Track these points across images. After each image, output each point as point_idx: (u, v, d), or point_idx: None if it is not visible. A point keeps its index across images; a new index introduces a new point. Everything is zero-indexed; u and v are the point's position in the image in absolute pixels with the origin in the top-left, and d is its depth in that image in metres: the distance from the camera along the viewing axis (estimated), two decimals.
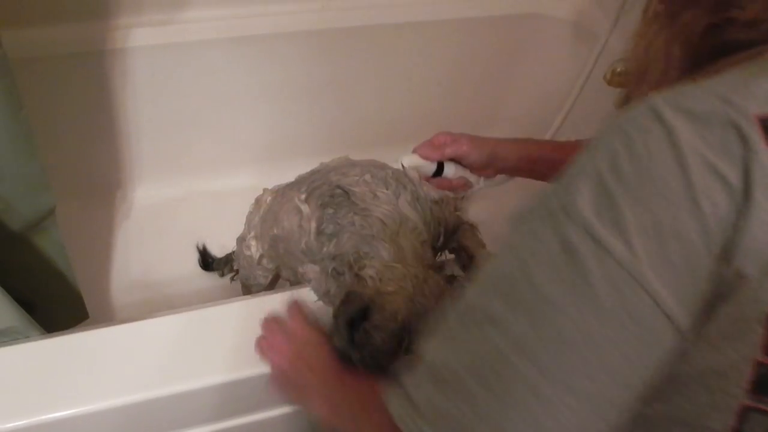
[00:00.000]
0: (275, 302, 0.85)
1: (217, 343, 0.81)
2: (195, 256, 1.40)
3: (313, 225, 0.90)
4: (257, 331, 0.80)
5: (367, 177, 0.91)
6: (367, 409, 0.64)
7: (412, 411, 0.48)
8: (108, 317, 1.28)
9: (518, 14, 1.56)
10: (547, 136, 1.41)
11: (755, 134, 0.42)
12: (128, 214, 1.51)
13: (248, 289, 1.19)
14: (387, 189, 0.89)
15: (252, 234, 1.10)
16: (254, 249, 1.09)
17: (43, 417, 0.73)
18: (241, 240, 1.14)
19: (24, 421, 0.72)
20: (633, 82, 0.60)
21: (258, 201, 1.11)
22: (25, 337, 0.83)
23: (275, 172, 1.30)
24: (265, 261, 1.09)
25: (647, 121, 0.45)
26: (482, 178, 1.04)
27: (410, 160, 0.98)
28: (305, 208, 0.93)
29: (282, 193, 1.04)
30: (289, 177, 1.05)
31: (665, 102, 0.45)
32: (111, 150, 1.48)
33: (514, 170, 1.04)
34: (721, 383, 0.47)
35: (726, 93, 0.44)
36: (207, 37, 1.39)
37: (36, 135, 0.88)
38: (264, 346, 0.78)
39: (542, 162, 1.00)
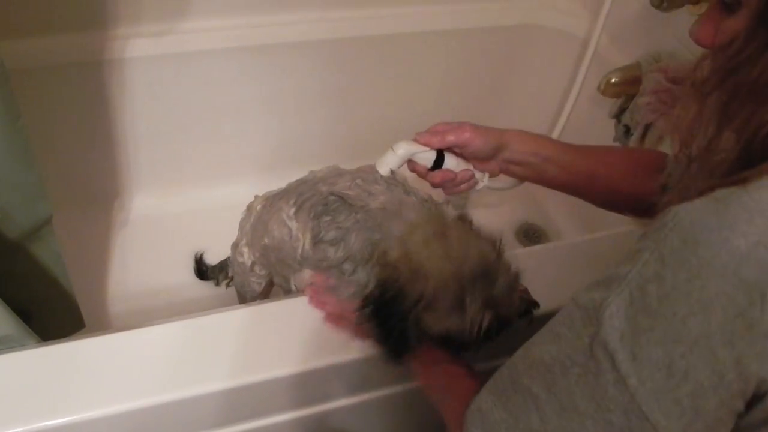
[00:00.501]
0: (274, 310, 0.86)
1: (216, 351, 0.81)
2: (191, 266, 1.40)
3: (308, 236, 0.90)
4: (257, 337, 0.81)
5: (358, 181, 0.92)
6: (453, 394, 0.71)
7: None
8: (104, 326, 1.28)
9: (514, 25, 1.57)
10: None
11: None
12: (125, 223, 1.52)
13: (243, 297, 1.20)
14: (379, 186, 0.90)
15: (244, 241, 1.11)
16: (246, 256, 1.10)
17: (40, 424, 0.73)
18: (235, 246, 1.15)
19: (20, 429, 0.72)
20: (677, 143, 0.59)
21: (249, 208, 1.12)
22: (20, 346, 0.83)
23: (273, 182, 1.29)
24: (257, 268, 1.10)
25: (683, 249, 0.46)
26: (486, 175, 0.92)
27: (407, 147, 0.86)
28: (293, 225, 0.93)
29: (271, 202, 1.04)
30: None
31: (705, 229, 0.45)
32: (109, 159, 1.49)
33: (522, 166, 0.91)
34: None
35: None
36: (204, 47, 1.40)
37: (34, 144, 0.88)
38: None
39: (553, 162, 0.90)
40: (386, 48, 1.53)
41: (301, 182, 1.01)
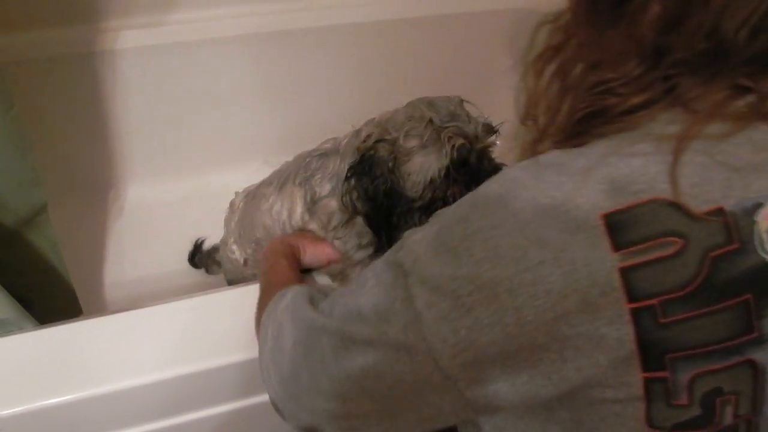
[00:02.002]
0: None
1: (211, 330, 0.83)
2: (186, 253, 1.42)
3: (299, 204, 0.91)
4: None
5: (329, 139, 0.95)
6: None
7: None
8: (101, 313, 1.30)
9: (507, 9, 1.58)
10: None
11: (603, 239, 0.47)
12: (121, 212, 1.53)
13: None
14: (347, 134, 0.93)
15: (232, 239, 1.12)
16: (237, 253, 1.11)
17: (38, 404, 0.75)
18: (224, 244, 1.15)
19: (20, 408, 0.75)
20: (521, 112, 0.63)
21: (232, 205, 1.12)
22: (19, 329, 0.85)
23: (266, 170, 1.32)
24: (251, 263, 1.11)
25: (497, 200, 0.51)
26: None
27: None
28: (279, 204, 0.95)
29: (253, 195, 1.06)
30: None
31: (520, 186, 0.50)
32: (103, 150, 1.50)
33: None
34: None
35: (578, 185, 0.48)
36: (195, 38, 1.41)
37: (29, 135, 0.90)
38: None
39: None
40: (377, 35, 1.54)
41: (276, 171, 1.03)
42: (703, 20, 0.48)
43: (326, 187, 0.88)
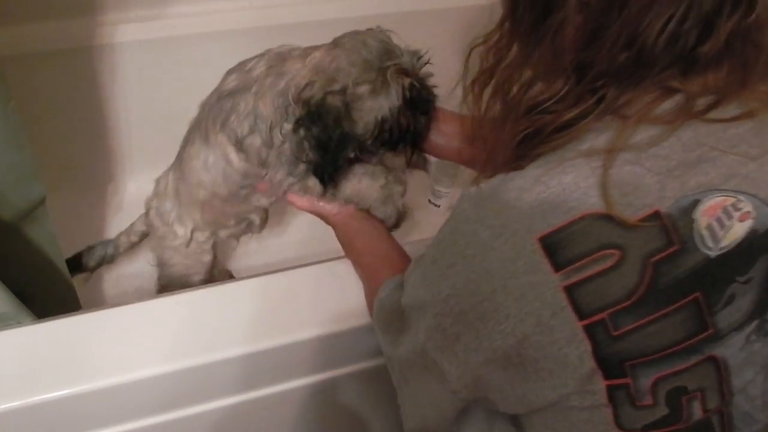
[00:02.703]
0: (270, 283, 0.89)
1: (207, 324, 0.83)
2: None
3: (231, 150, 0.91)
4: (246, 311, 0.83)
5: (233, 76, 0.95)
6: (377, 257, 0.85)
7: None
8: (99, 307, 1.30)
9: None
10: None
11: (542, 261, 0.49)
12: (120, 206, 1.53)
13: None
14: (252, 63, 0.93)
15: (171, 219, 1.08)
16: (182, 231, 1.07)
17: (37, 398, 0.75)
18: (161, 239, 1.10)
19: (17, 403, 0.75)
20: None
21: (159, 193, 1.10)
22: (17, 323, 0.85)
23: None
24: (198, 235, 1.08)
25: (454, 233, 0.56)
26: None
27: None
28: (212, 156, 0.95)
29: (178, 167, 1.04)
30: None
31: (466, 219, 0.54)
32: (102, 144, 1.50)
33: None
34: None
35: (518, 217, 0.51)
36: (193, 31, 1.41)
37: (27, 129, 0.89)
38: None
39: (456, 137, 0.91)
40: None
41: (188, 131, 1.03)
42: (620, 32, 0.49)
43: (245, 127, 0.88)
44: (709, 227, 0.49)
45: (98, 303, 1.31)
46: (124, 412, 0.82)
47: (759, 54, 0.51)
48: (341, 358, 0.90)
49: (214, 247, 1.13)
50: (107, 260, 1.23)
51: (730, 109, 0.51)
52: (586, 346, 0.49)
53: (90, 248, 1.23)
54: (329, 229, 0.94)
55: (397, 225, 0.93)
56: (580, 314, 0.48)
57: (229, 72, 0.95)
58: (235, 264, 1.42)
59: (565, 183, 0.50)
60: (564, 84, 0.53)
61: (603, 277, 0.48)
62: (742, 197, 0.49)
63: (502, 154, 0.58)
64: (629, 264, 0.48)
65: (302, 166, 0.87)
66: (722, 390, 0.52)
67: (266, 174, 0.91)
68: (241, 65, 0.94)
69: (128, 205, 1.53)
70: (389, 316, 0.68)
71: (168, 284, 1.16)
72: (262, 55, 0.93)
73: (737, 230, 0.49)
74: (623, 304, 0.48)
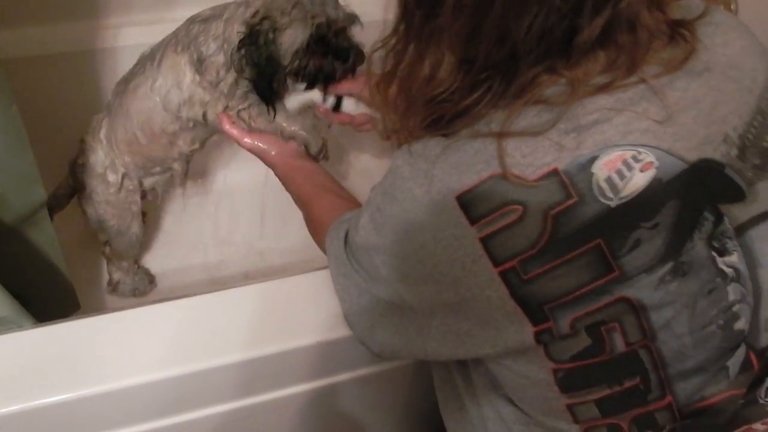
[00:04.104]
0: (276, 287, 0.89)
1: (208, 330, 0.83)
2: (185, 251, 1.42)
3: (188, 70, 1.02)
4: (243, 318, 0.83)
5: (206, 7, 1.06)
6: (316, 198, 0.92)
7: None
8: (99, 309, 1.30)
9: None
10: None
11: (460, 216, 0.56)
12: None
13: (120, 237, 1.23)
14: None
15: (105, 167, 1.14)
16: (113, 178, 1.15)
17: (37, 402, 0.75)
18: (89, 196, 1.17)
19: (17, 407, 0.75)
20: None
21: (86, 149, 1.16)
22: (17, 327, 0.85)
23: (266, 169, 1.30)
24: (127, 182, 1.16)
25: (391, 189, 0.62)
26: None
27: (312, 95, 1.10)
28: (162, 79, 1.03)
29: (122, 93, 1.10)
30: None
31: (400, 176, 0.61)
32: None
33: None
34: (540, 392, 0.61)
35: (439, 173, 0.58)
36: None
37: (29, 132, 0.89)
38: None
39: None
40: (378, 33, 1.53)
41: (141, 59, 1.11)
42: (492, 31, 0.54)
43: (212, 47, 0.99)
44: (609, 179, 0.53)
45: (99, 307, 1.31)
46: (123, 416, 0.82)
47: (638, 38, 0.55)
48: (340, 364, 0.90)
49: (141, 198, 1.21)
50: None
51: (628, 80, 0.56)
52: (503, 288, 0.55)
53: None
54: None
55: (321, 153, 1.07)
56: (495, 262, 0.55)
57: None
58: (233, 270, 1.43)
59: (475, 148, 0.57)
60: (455, 77, 0.58)
61: (509, 229, 0.54)
62: (642, 149, 0.54)
63: (410, 131, 0.64)
64: (531, 217, 0.54)
65: (245, 87, 1.00)
66: (642, 326, 0.56)
67: (218, 94, 1.02)
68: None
69: None
70: (342, 259, 0.72)
71: (111, 243, 1.26)
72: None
73: (638, 180, 0.53)
74: (529, 253, 0.54)
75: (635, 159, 0.53)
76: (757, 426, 0.62)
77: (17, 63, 1.26)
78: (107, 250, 1.29)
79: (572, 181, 0.53)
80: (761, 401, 0.62)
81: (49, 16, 1.33)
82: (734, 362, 0.59)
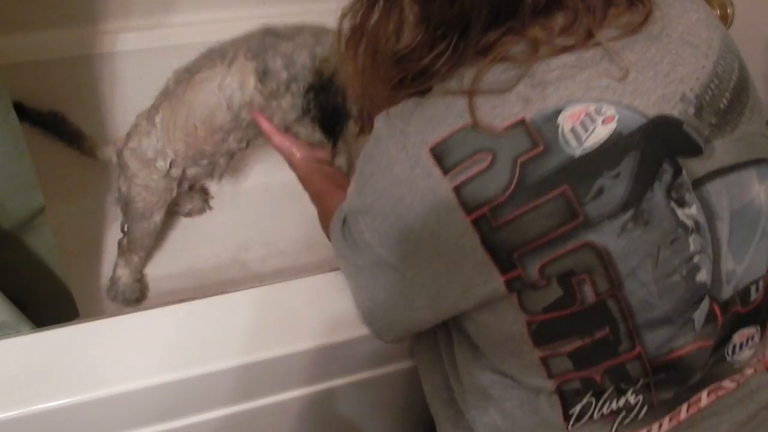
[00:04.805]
0: (278, 291, 0.90)
1: (209, 334, 0.83)
2: (184, 256, 1.42)
3: (252, 78, 1.08)
4: (257, 319, 0.84)
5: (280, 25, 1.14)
6: (329, 195, 0.94)
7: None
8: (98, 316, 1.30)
9: None
10: None
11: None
12: (118, 215, 1.52)
13: (140, 217, 1.26)
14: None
15: (155, 152, 1.18)
16: (162, 164, 1.19)
17: (35, 407, 0.75)
18: (132, 178, 1.20)
19: (16, 412, 0.75)
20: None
21: (139, 132, 1.19)
22: (15, 332, 0.85)
23: (261, 175, 1.32)
24: (173, 170, 1.19)
25: (373, 147, 0.64)
26: None
27: None
28: (230, 79, 1.09)
29: (169, 100, 1.15)
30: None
31: (381, 137, 0.63)
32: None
33: None
34: (516, 347, 0.63)
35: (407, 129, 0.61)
36: (194, 40, 1.40)
37: (27, 138, 0.90)
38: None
39: None
40: None
41: (210, 54, 1.14)
42: None
43: (278, 63, 1.06)
44: (573, 130, 0.56)
45: (97, 313, 1.31)
46: (121, 421, 0.82)
47: (590, 2, 0.59)
48: (338, 368, 0.90)
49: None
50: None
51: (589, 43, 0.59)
52: (475, 237, 0.58)
53: None
54: (327, 242, 0.95)
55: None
56: (467, 210, 0.57)
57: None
58: (233, 273, 1.43)
59: (446, 103, 0.59)
60: (416, 35, 0.61)
61: (480, 176, 0.57)
62: (604, 104, 0.57)
63: (381, 99, 0.67)
64: (500, 164, 0.57)
65: (300, 106, 1.08)
66: (609, 275, 0.58)
67: (274, 104, 1.09)
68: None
69: None
70: (339, 237, 0.74)
71: (129, 230, 1.29)
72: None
73: (600, 132, 0.56)
74: (499, 199, 0.57)
75: (597, 112, 0.57)
76: (726, 383, 0.65)
77: (15, 68, 1.27)
78: (124, 241, 1.31)
79: (539, 131, 0.56)
80: (728, 359, 0.65)
81: (47, 21, 1.34)
82: (699, 314, 0.61)
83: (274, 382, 0.87)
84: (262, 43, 1.08)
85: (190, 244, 1.46)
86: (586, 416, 0.64)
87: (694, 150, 0.60)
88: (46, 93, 1.36)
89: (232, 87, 1.09)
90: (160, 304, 0.87)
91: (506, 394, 0.68)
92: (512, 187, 0.56)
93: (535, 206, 0.56)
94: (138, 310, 0.87)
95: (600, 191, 0.56)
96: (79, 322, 0.86)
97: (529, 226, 0.57)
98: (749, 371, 0.66)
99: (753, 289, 0.64)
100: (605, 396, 0.63)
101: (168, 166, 1.18)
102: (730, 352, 0.65)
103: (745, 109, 0.63)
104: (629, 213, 0.57)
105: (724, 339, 0.64)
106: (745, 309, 0.64)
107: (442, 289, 0.63)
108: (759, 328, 0.66)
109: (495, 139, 0.57)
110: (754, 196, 0.62)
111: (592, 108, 0.57)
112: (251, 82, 1.08)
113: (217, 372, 0.81)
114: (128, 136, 1.23)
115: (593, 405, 0.63)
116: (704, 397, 0.64)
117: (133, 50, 1.39)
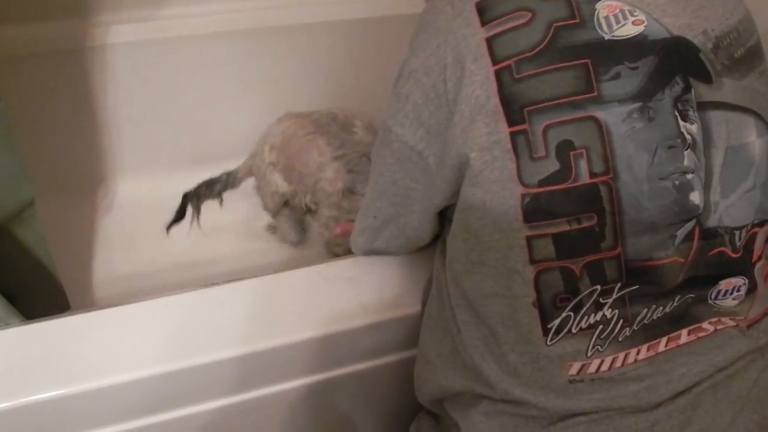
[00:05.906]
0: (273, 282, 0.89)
1: (196, 326, 0.83)
2: (177, 250, 1.42)
3: (340, 186, 1.19)
4: (253, 310, 0.83)
5: None
6: None
7: None
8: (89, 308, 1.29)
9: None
10: None
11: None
12: (110, 208, 1.52)
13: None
14: None
15: (271, 166, 1.31)
16: (281, 185, 1.32)
17: (25, 399, 0.75)
18: (263, 171, 1.34)
19: (6, 404, 0.74)
20: None
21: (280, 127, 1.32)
22: (5, 324, 0.84)
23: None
24: (277, 176, 1.32)
25: (422, 21, 0.70)
26: None
27: None
28: (330, 169, 1.21)
29: (298, 130, 1.27)
30: None
31: (428, 17, 0.68)
32: (93, 145, 1.49)
33: None
34: (507, 224, 0.65)
35: None
36: (186, 33, 1.40)
37: (17, 131, 0.89)
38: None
39: None
40: (370, 31, 1.53)
41: (330, 119, 1.26)
42: None
43: (363, 188, 1.14)
44: (607, 18, 0.63)
45: (88, 305, 1.30)
46: (114, 413, 0.82)
47: None
48: (335, 359, 0.90)
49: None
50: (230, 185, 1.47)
51: None
52: (494, 86, 0.62)
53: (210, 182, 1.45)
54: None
55: None
56: (494, 60, 0.62)
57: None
58: (228, 266, 1.42)
59: None
60: None
61: (515, 31, 0.62)
62: (637, 9, 0.64)
63: None
64: (537, 24, 0.62)
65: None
66: (606, 155, 0.62)
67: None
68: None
69: (119, 207, 1.53)
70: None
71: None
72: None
73: (630, 29, 0.63)
74: (527, 54, 0.62)
75: (631, 13, 0.63)
76: (705, 325, 0.68)
77: (6, 60, 1.26)
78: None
79: (578, 7, 0.63)
80: (710, 302, 0.67)
81: (38, 14, 1.32)
82: (682, 233, 0.65)
83: (270, 373, 0.86)
84: (360, 164, 1.20)
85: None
86: (564, 330, 0.65)
87: (706, 77, 0.64)
88: (35, 86, 1.35)
89: (327, 178, 1.22)
90: (153, 296, 0.87)
91: (488, 311, 0.68)
92: (542, 45, 0.61)
93: (558, 68, 0.61)
94: (130, 302, 0.86)
95: (617, 75, 0.61)
96: (70, 315, 0.85)
97: (547, 86, 0.61)
98: (731, 323, 0.68)
99: (738, 235, 0.67)
100: (583, 311, 0.65)
101: (285, 192, 1.34)
102: (713, 296, 0.67)
103: (756, 69, 0.68)
104: (637, 104, 0.62)
105: (709, 282, 0.67)
106: (735, 254, 0.67)
107: (450, 136, 0.66)
108: (746, 281, 0.69)
109: (538, 2, 0.63)
110: (749, 143, 0.67)
111: (626, 8, 0.63)
112: (339, 190, 1.20)
113: (211, 363, 0.80)
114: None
115: (572, 318, 0.65)
116: (684, 335, 0.67)
117: (125, 43, 1.38)
